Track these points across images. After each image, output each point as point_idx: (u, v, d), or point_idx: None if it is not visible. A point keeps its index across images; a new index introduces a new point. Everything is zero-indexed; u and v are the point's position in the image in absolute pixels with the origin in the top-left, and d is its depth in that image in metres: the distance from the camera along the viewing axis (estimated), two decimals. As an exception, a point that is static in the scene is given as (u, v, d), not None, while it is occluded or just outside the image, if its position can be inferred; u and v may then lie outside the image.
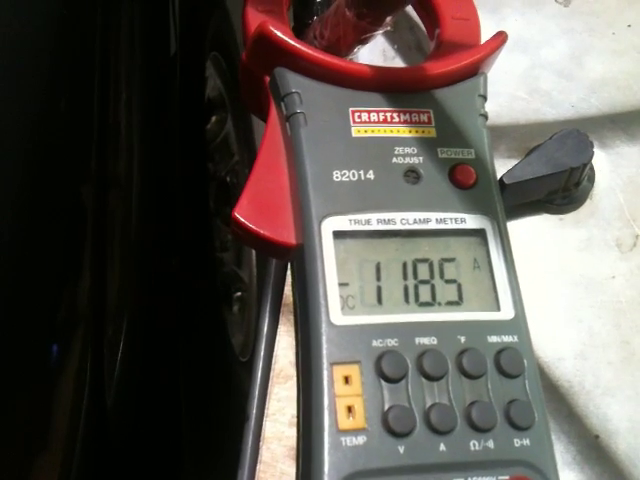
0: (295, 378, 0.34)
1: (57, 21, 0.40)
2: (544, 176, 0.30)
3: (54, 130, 0.38)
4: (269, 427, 0.33)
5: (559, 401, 0.27)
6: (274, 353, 0.35)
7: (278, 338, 0.36)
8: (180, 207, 0.51)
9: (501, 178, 0.28)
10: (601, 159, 0.34)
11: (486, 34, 0.28)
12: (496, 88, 0.30)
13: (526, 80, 0.35)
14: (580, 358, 0.28)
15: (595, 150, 0.31)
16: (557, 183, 0.31)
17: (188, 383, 0.51)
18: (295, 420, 0.32)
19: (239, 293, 0.91)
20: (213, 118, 0.91)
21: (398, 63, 0.34)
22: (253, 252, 0.99)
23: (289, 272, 0.36)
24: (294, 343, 0.35)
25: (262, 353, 0.36)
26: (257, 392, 0.36)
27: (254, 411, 0.35)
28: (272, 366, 0.35)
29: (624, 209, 0.32)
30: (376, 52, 0.27)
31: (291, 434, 0.32)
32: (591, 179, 0.33)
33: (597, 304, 0.29)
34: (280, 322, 0.36)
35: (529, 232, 0.32)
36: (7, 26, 0.36)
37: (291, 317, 0.36)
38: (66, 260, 0.38)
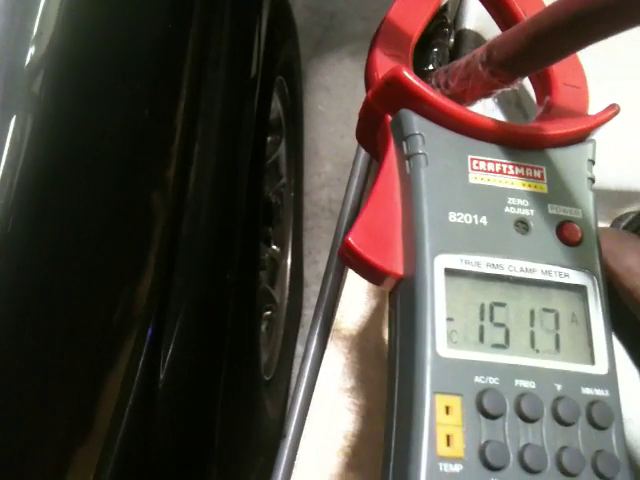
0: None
1: (162, 36, 0.42)
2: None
3: (141, 135, 0.41)
4: (306, 448, 0.34)
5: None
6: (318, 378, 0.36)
7: (324, 362, 0.37)
8: (239, 225, 0.53)
9: None
10: None
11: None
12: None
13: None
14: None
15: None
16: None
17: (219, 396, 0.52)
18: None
19: (268, 312, 0.92)
20: (268, 139, 0.93)
21: (497, 116, 0.34)
22: (288, 274, 1.01)
23: (341, 299, 0.37)
24: (341, 369, 0.36)
25: (306, 374, 0.37)
26: (297, 412, 0.36)
27: (292, 429, 0.36)
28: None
29: None
30: (477, 102, 0.28)
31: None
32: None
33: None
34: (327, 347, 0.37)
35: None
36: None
37: (339, 342, 0.37)
38: (132, 259, 0.40)
